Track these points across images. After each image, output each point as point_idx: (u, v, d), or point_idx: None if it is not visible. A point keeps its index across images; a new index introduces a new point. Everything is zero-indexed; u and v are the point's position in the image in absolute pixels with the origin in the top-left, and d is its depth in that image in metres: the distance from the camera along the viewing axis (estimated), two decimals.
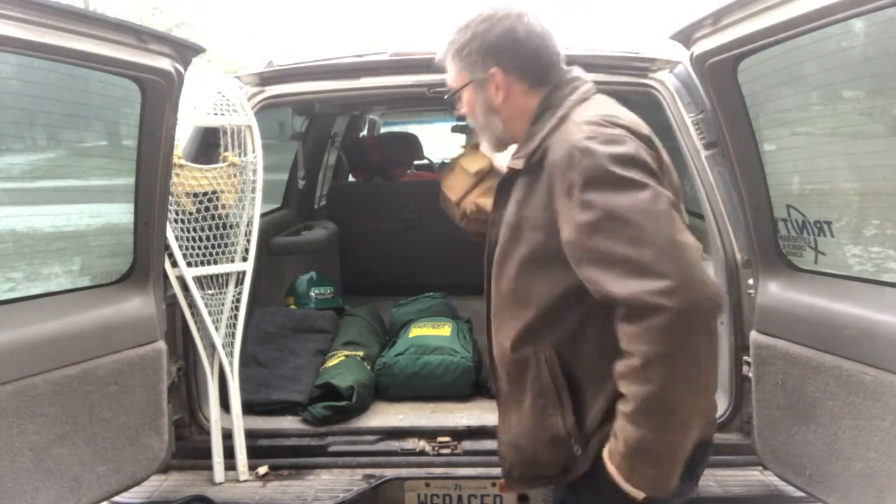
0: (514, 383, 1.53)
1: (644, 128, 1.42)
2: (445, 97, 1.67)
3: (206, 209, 2.48)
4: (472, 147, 2.60)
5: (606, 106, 1.45)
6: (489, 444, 2.39)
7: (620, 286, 1.22)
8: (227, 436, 2.46)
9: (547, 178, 1.37)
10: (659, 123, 1.97)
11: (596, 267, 1.27)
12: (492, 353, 1.63)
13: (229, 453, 2.45)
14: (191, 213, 2.45)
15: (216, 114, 2.53)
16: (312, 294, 3.63)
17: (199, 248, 2.47)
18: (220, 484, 2.40)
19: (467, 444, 2.45)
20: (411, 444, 2.47)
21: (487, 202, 1.91)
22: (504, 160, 1.69)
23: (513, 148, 1.56)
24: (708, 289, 1.20)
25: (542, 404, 1.46)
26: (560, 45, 1.53)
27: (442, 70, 1.62)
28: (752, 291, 2.13)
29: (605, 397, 1.39)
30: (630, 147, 1.30)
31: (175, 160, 2.28)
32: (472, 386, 2.86)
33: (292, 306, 3.60)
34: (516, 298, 1.46)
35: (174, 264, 2.39)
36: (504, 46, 1.49)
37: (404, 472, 2.35)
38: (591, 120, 1.35)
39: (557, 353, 1.43)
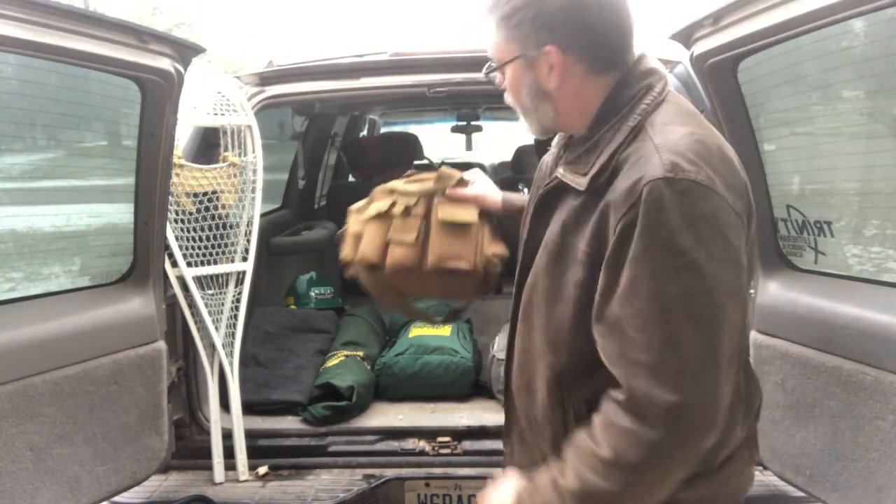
0: (533, 431, 1.31)
1: (738, 167, 1.14)
2: (484, 71, 1.31)
3: (206, 209, 2.48)
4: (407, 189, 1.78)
5: (689, 119, 1.16)
6: (489, 444, 2.40)
7: (630, 374, 1.05)
8: (227, 436, 2.46)
9: (604, 204, 1.10)
10: None
11: (612, 338, 1.08)
12: (510, 373, 1.38)
13: (229, 453, 2.45)
14: (191, 213, 2.45)
15: (216, 114, 2.53)
16: (312, 294, 3.63)
17: (199, 248, 2.47)
18: (220, 484, 2.40)
19: (467, 444, 2.45)
20: (411, 444, 2.47)
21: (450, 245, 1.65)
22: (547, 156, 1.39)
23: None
24: (713, 418, 1.04)
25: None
26: (635, 19, 1.23)
27: (479, 29, 1.29)
28: (752, 291, 2.13)
29: None
30: (713, 204, 1.03)
31: (175, 160, 2.28)
32: (472, 386, 2.86)
33: (292, 306, 3.60)
34: (553, 341, 1.21)
35: (174, 264, 2.39)
36: (566, 19, 1.16)
37: (404, 472, 2.35)
38: (677, 148, 1.06)
39: (589, 410, 1.17)
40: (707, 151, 1.07)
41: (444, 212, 1.69)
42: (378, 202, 1.77)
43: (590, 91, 1.20)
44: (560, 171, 1.21)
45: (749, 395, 1.27)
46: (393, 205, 1.72)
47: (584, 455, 1.09)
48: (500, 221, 1.74)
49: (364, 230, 1.75)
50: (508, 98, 1.30)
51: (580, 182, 1.15)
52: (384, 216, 1.72)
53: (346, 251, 1.81)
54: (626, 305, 1.04)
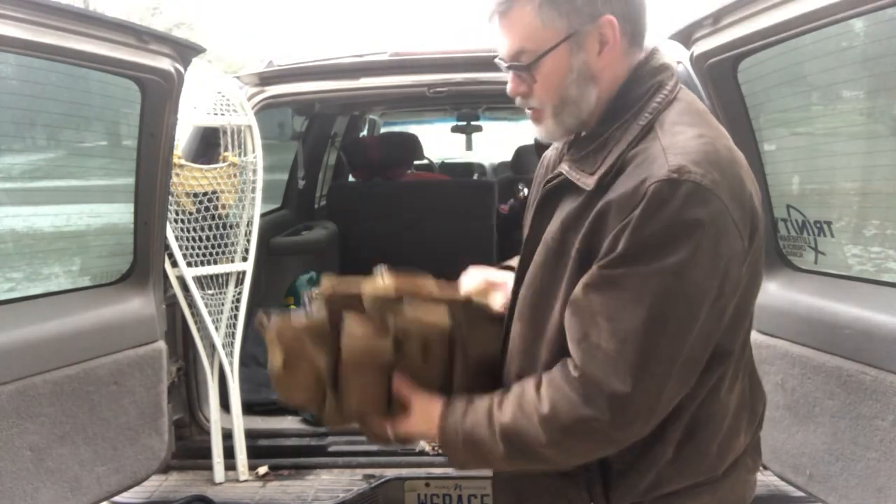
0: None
1: (746, 174, 1.09)
2: (516, 67, 1.14)
3: (206, 209, 2.48)
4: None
5: (699, 120, 1.11)
6: None
7: (588, 357, 1.05)
8: (227, 436, 2.46)
9: (604, 203, 1.06)
10: None
11: (579, 318, 1.06)
12: (504, 372, 1.30)
13: (229, 453, 2.45)
14: (191, 213, 2.45)
15: (216, 114, 2.53)
16: None
17: (199, 248, 2.47)
18: (220, 484, 2.40)
19: None
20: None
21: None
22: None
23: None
24: (651, 414, 1.05)
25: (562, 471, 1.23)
26: None
27: (504, 23, 1.14)
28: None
29: (640, 475, 1.16)
30: (712, 210, 1.00)
31: (175, 160, 2.28)
32: None
33: (292, 306, 3.60)
34: (548, 339, 1.17)
35: (174, 264, 2.39)
36: None
37: (404, 472, 2.35)
38: (685, 150, 1.02)
39: None
40: (716, 155, 1.04)
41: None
42: (358, 330, 1.24)
43: (623, 75, 1.13)
44: (565, 168, 1.15)
45: (754, 402, 1.26)
46: (398, 342, 1.24)
47: (525, 402, 1.12)
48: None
49: (348, 372, 1.24)
50: (534, 101, 1.16)
51: (587, 182, 1.10)
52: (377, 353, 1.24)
53: (299, 392, 1.28)
54: (603, 293, 1.04)
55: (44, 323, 1.88)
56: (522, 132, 6.34)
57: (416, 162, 5.27)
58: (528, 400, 1.12)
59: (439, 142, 6.84)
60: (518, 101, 1.19)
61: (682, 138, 1.05)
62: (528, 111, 1.20)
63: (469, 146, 6.02)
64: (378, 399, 1.25)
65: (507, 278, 1.36)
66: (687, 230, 0.99)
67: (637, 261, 1.01)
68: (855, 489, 1.71)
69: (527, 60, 1.12)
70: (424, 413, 1.24)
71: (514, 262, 1.43)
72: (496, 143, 6.91)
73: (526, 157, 5.49)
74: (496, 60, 1.20)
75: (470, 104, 5.17)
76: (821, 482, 1.82)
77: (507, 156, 6.11)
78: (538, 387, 1.12)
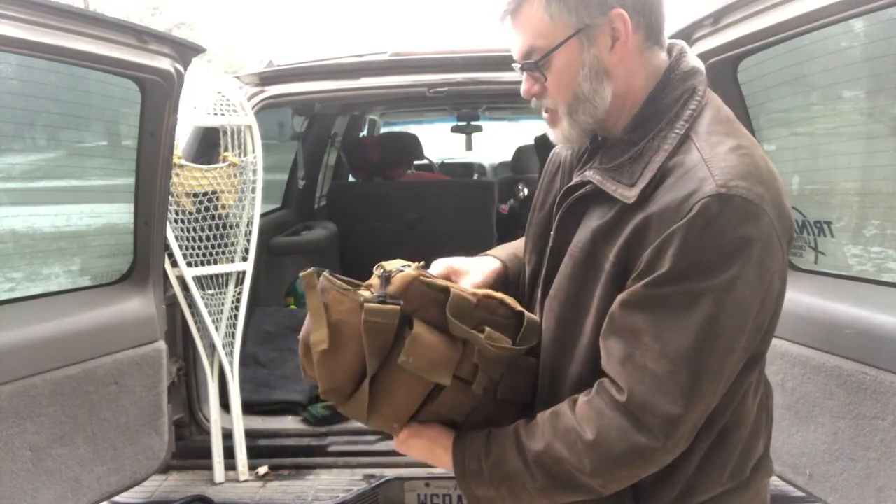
0: None
1: (782, 182, 1.07)
2: (520, 65, 1.13)
3: (206, 209, 2.48)
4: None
5: (732, 129, 1.09)
6: None
7: (635, 379, 1.01)
8: (227, 436, 2.46)
9: (644, 217, 1.02)
10: None
11: (622, 339, 1.02)
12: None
13: (229, 453, 2.45)
14: (191, 213, 2.45)
15: (216, 114, 2.53)
16: None
17: (199, 248, 2.47)
18: (220, 484, 2.40)
19: None
20: None
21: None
22: None
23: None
24: (695, 432, 1.04)
25: None
26: None
27: (514, 21, 1.11)
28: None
29: (669, 486, 1.12)
30: (759, 225, 0.98)
31: (175, 160, 2.28)
32: None
33: (292, 306, 3.60)
34: (576, 352, 1.13)
35: (174, 264, 2.39)
36: None
37: (404, 472, 2.35)
38: (728, 163, 0.99)
39: None
40: (756, 168, 1.02)
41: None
42: (432, 341, 1.11)
43: (640, 72, 1.10)
44: (596, 178, 1.09)
45: (769, 402, 1.25)
46: (474, 369, 1.15)
47: (562, 429, 1.06)
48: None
49: (398, 379, 1.12)
50: (548, 100, 1.13)
51: (627, 194, 1.04)
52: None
53: (337, 375, 1.14)
54: (649, 312, 1.00)
55: (44, 323, 1.88)
56: (522, 132, 6.35)
57: (416, 162, 5.27)
58: (565, 426, 1.06)
59: (439, 142, 6.84)
60: (533, 102, 1.17)
61: (721, 150, 1.02)
62: (544, 115, 1.18)
63: (469, 146, 6.02)
64: (410, 409, 1.16)
65: (474, 266, 1.32)
66: (737, 247, 0.97)
67: (686, 279, 0.98)
68: (855, 489, 1.71)
69: (537, 57, 1.10)
70: (435, 437, 1.18)
71: (498, 250, 1.43)
72: (496, 143, 6.90)
73: (526, 157, 5.49)
74: (513, 65, 1.16)
75: (470, 104, 5.17)
76: (821, 482, 1.82)
77: (507, 156, 6.11)
78: (574, 411, 1.06)
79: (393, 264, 1.15)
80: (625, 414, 1.01)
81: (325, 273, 1.13)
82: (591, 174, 1.11)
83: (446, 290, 1.11)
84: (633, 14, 1.06)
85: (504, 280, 1.36)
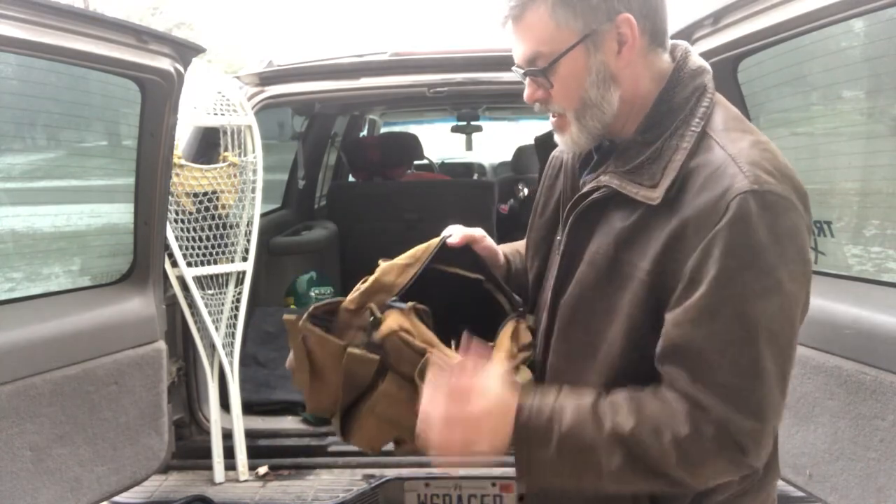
0: None
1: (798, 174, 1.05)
2: (524, 70, 1.10)
3: (206, 209, 2.48)
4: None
5: (745, 125, 1.09)
6: None
7: (714, 401, 0.96)
8: (227, 436, 2.46)
9: (679, 222, 0.99)
10: None
11: (684, 359, 0.98)
12: None
13: (229, 453, 2.45)
14: (191, 213, 2.45)
15: (216, 114, 2.53)
16: (312, 294, 3.63)
17: (199, 248, 2.47)
18: (220, 484, 2.40)
19: None
20: None
21: None
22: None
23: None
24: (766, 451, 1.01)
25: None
26: None
27: (517, 25, 1.09)
28: None
29: None
30: (794, 219, 0.97)
31: (175, 160, 2.28)
32: None
33: (292, 306, 3.60)
34: (601, 362, 1.09)
35: (174, 264, 2.39)
36: None
37: (404, 472, 2.35)
38: (753, 159, 0.98)
39: None
40: (778, 162, 1.01)
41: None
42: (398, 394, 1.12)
43: (645, 75, 1.09)
44: (614, 182, 1.06)
45: None
46: None
47: (649, 415, 0.98)
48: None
49: (368, 419, 1.16)
50: (555, 106, 1.11)
51: (650, 195, 1.01)
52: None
53: (327, 398, 1.19)
54: (705, 326, 0.95)
55: (44, 323, 1.88)
56: (522, 132, 6.35)
57: (416, 162, 5.27)
58: (652, 413, 0.99)
59: (439, 142, 6.84)
60: (537, 107, 1.14)
61: (743, 146, 1.01)
62: (551, 120, 1.15)
63: (469, 146, 6.02)
64: (381, 443, 1.19)
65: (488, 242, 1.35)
66: (779, 244, 0.95)
67: (734, 284, 0.95)
68: (855, 489, 1.71)
69: (543, 64, 1.07)
70: (490, 395, 1.02)
71: (501, 246, 1.42)
72: (496, 143, 6.90)
73: (526, 157, 5.49)
74: (513, 69, 1.14)
75: (470, 104, 5.17)
76: (821, 482, 1.82)
77: (507, 156, 6.10)
78: (659, 401, 1.00)
79: (387, 274, 1.16)
80: (708, 429, 0.96)
81: (305, 321, 1.14)
82: (606, 178, 1.08)
83: (422, 353, 1.08)
84: (639, 18, 1.05)
85: (507, 270, 1.37)
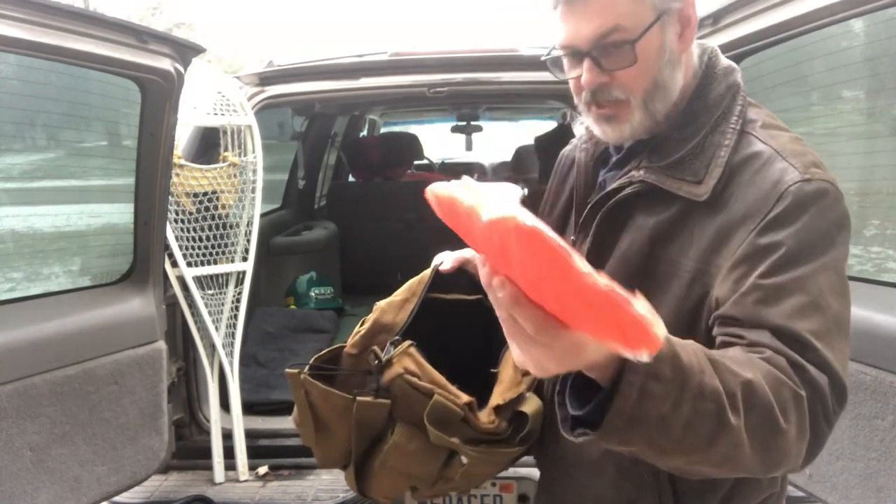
0: (594, 459, 1.09)
1: None
2: (592, 49, 1.01)
3: (206, 209, 2.48)
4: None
5: (778, 122, 1.07)
6: None
7: (805, 322, 0.89)
8: (227, 436, 2.46)
9: (728, 219, 0.96)
10: None
11: (770, 299, 0.91)
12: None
13: (229, 453, 2.45)
14: (191, 213, 2.45)
15: (216, 114, 2.53)
16: (312, 294, 3.63)
17: (199, 248, 2.47)
18: (220, 484, 2.40)
19: None
20: None
21: None
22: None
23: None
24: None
25: (632, 495, 1.07)
26: None
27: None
28: None
29: (714, 488, 1.05)
30: (843, 207, 0.97)
31: (175, 160, 2.28)
32: None
33: (292, 306, 3.60)
34: None
35: (174, 264, 2.39)
36: None
37: None
38: (796, 152, 0.98)
39: None
40: (817, 157, 1.00)
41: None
42: (412, 447, 1.10)
43: (689, 64, 1.06)
44: (650, 177, 1.02)
45: None
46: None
47: (765, 370, 0.86)
48: None
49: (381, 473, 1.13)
50: (617, 90, 1.03)
51: (696, 191, 0.99)
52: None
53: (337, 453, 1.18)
54: (776, 303, 0.90)
55: (44, 323, 1.88)
56: (522, 132, 6.35)
57: (416, 162, 5.27)
58: (767, 369, 0.87)
59: (439, 142, 6.84)
60: (586, 96, 1.06)
61: (784, 140, 1.00)
62: (599, 110, 1.07)
63: (469, 146, 6.02)
64: (397, 492, 1.16)
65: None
66: (834, 229, 0.95)
67: (798, 262, 0.92)
68: (855, 489, 1.71)
69: (621, 39, 0.99)
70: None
71: None
72: (496, 143, 6.91)
73: (526, 157, 5.49)
74: (543, 58, 1.08)
75: (470, 104, 5.17)
76: (821, 482, 1.82)
77: (507, 156, 6.11)
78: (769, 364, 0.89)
79: (385, 314, 1.14)
80: (818, 389, 0.91)
81: (306, 374, 1.12)
82: (641, 174, 1.04)
83: (430, 394, 1.05)
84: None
85: None
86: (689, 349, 0.79)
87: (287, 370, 1.12)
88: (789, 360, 0.87)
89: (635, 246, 1.03)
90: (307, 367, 1.12)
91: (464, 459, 1.08)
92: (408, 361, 1.08)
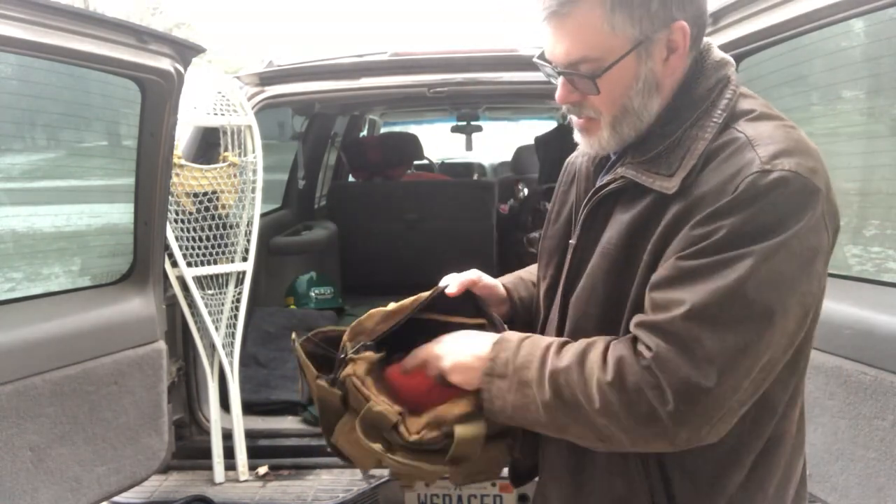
0: (584, 457, 1.12)
1: (827, 168, 1.01)
2: (562, 71, 1.04)
3: (206, 209, 2.48)
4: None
5: (771, 110, 1.05)
6: None
7: (663, 343, 0.93)
8: (227, 436, 2.46)
9: (684, 204, 0.97)
10: None
11: (654, 313, 0.95)
12: None
13: (229, 453, 2.45)
14: (191, 213, 2.45)
15: (216, 114, 2.53)
16: (312, 294, 3.63)
17: (199, 248, 2.47)
18: (220, 484, 2.40)
19: None
20: None
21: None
22: None
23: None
24: (718, 413, 0.93)
25: (623, 492, 1.09)
26: None
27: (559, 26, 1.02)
28: None
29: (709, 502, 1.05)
30: (806, 199, 0.93)
31: (175, 160, 2.28)
32: None
33: (292, 306, 3.60)
34: None
35: (174, 264, 2.39)
36: None
37: None
38: (774, 139, 0.96)
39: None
40: (805, 144, 0.97)
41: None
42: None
43: (679, 77, 1.05)
44: (629, 173, 1.03)
45: (803, 423, 1.17)
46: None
47: (589, 360, 0.98)
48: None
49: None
50: (588, 110, 1.06)
51: (666, 185, 0.99)
52: None
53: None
54: (680, 284, 0.93)
55: (44, 323, 1.88)
56: (522, 132, 6.35)
57: (416, 162, 5.27)
58: (592, 359, 0.99)
59: (439, 142, 6.85)
60: (566, 108, 1.09)
61: (765, 129, 0.98)
62: (577, 121, 1.10)
63: (469, 146, 6.02)
64: (367, 465, 1.24)
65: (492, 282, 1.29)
66: (782, 218, 0.92)
67: (721, 250, 0.92)
68: (855, 489, 1.71)
69: (589, 70, 1.01)
70: (468, 341, 1.12)
71: (507, 277, 1.37)
72: (496, 143, 6.91)
73: (526, 157, 5.49)
74: (535, 59, 1.09)
75: (470, 104, 5.17)
76: (821, 482, 1.82)
77: (507, 156, 6.11)
78: (606, 350, 0.99)
79: (369, 319, 1.19)
80: (647, 370, 0.93)
81: (296, 342, 1.23)
82: (622, 170, 1.05)
83: (367, 399, 1.12)
84: (691, 25, 1.01)
85: (511, 302, 1.32)
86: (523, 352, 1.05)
87: (293, 336, 1.24)
88: (639, 342, 0.96)
89: (614, 240, 1.05)
90: (304, 337, 1.24)
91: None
92: (360, 367, 1.15)
